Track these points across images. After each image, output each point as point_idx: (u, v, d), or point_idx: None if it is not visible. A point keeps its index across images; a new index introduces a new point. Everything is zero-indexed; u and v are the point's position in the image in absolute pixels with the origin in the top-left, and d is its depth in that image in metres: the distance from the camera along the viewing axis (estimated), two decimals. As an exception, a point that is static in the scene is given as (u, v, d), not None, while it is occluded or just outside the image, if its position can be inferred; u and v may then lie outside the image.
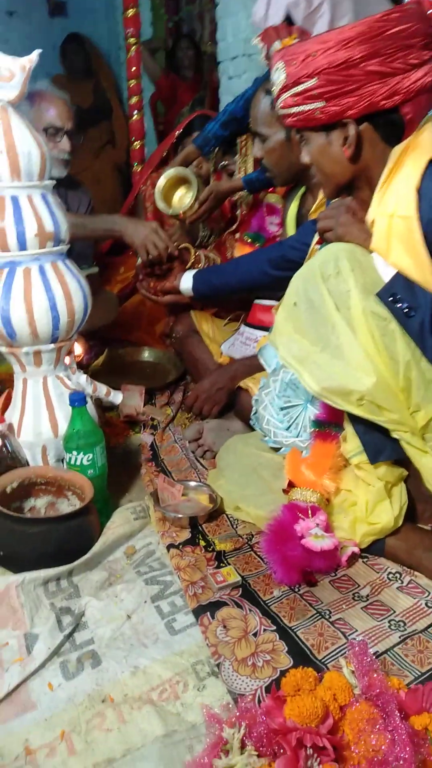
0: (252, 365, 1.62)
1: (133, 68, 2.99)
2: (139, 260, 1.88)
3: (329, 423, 1.17)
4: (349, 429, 1.13)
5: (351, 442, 1.13)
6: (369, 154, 1.06)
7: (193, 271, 1.78)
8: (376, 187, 1.06)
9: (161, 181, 2.02)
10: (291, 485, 1.18)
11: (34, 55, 1.19)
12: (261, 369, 1.56)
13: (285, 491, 1.19)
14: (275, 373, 1.36)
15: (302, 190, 1.67)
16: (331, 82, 0.99)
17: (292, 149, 1.53)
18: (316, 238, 1.37)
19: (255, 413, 1.39)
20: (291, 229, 1.73)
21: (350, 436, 1.13)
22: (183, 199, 2.01)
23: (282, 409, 1.33)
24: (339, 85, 0.99)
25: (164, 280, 1.85)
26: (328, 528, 1.10)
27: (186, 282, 1.77)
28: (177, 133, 2.30)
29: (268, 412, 1.35)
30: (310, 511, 1.10)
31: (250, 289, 1.74)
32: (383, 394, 1.02)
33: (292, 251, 1.51)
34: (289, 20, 1.63)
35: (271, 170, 1.62)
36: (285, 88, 1.05)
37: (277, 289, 1.57)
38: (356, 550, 1.13)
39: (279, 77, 1.05)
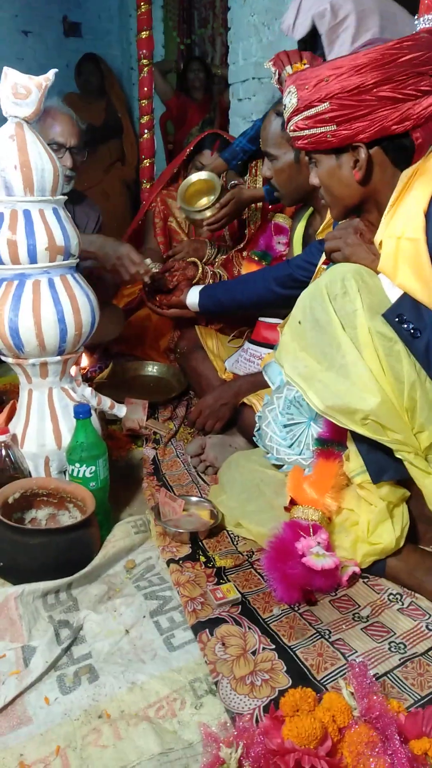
0: (256, 382, 1.62)
1: (145, 88, 3.05)
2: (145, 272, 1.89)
3: (332, 441, 1.17)
4: (352, 448, 1.13)
5: (354, 462, 1.13)
6: (378, 177, 1.08)
7: (200, 287, 1.80)
8: (384, 209, 1.08)
9: (191, 178, 2.05)
10: (293, 503, 1.18)
11: (51, 74, 1.22)
12: (265, 385, 1.56)
13: (287, 509, 1.19)
14: (279, 390, 1.37)
15: (310, 210, 1.69)
16: (342, 106, 1.01)
17: (301, 170, 1.55)
18: (323, 258, 1.38)
19: (258, 430, 1.39)
20: (298, 249, 1.75)
21: (353, 455, 1.13)
22: (205, 206, 2.04)
23: (285, 426, 1.33)
24: (351, 109, 1.01)
25: (170, 294, 1.87)
26: (329, 547, 1.09)
27: (192, 297, 1.79)
28: (188, 150, 2.34)
29: (271, 429, 1.35)
30: (311, 530, 1.10)
31: (255, 306, 1.75)
32: (388, 414, 1.03)
33: (298, 270, 1.52)
34: (313, 32, 1.65)
35: (280, 190, 1.64)
36: (296, 112, 1.07)
37: (282, 307, 1.58)
38: (357, 569, 1.12)
39: (291, 101, 1.08)
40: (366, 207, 1.14)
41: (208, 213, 2.01)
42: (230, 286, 1.76)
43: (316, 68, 1.06)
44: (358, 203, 1.14)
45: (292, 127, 1.10)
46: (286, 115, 1.11)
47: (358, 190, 1.11)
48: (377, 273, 1.08)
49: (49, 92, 1.24)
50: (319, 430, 1.21)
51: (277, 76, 1.60)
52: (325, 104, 1.03)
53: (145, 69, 3.00)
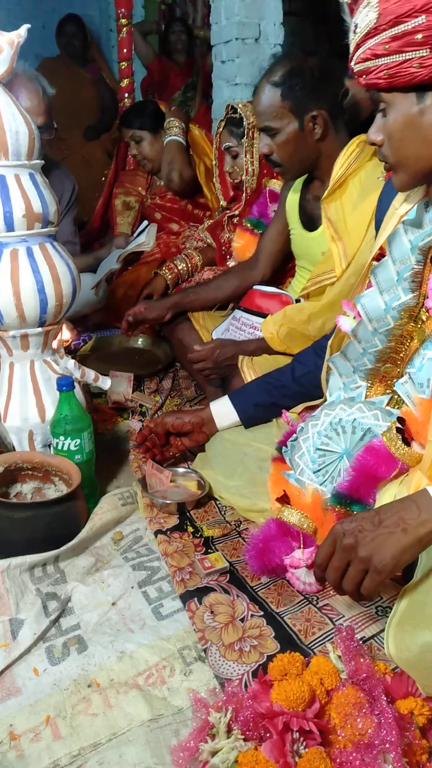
0: (265, 348, 1.60)
1: (125, 50, 2.95)
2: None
3: (351, 499, 1.03)
4: None
5: None
6: None
7: (224, 405, 1.36)
8: None
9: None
10: (285, 499, 1.10)
11: (23, 30, 1.16)
12: (266, 352, 1.55)
13: (279, 500, 1.10)
14: (332, 406, 1.13)
15: (304, 176, 1.62)
16: None
17: (306, 138, 1.45)
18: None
19: (294, 440, 1.17)
20: (293, 218, 1.67)
21: None
22: None
23: (317, 449, 1.12)
24: None
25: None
26: None
27: (228, 418, 1.36)
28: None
29: (307, 445, 1.14)
30: (301, 539, 1.04)
31: None
32: None
33: None
34: None
35: (283, 165, 1.52)
36: (375, 32, 0.82)
37: None
38: None
39: (367, 17, 0.83)
40: None
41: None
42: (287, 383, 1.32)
43: None
44: None
45: (361, 56, 0.85)
46: (355, 40, 0.86)
47: None
48: None
49: (26, 55, 1.18)
50: (347, 469, 1.04)
51: None
52: (421, 18, 0.77)
53: (124, 29, 2.90)
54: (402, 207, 1.02)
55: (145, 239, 2.25)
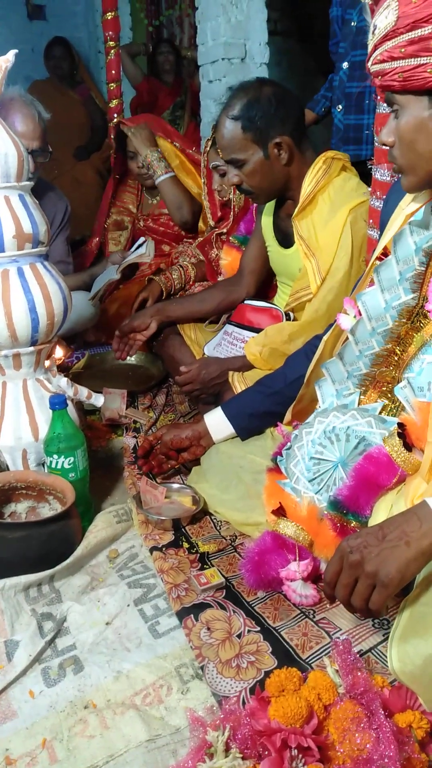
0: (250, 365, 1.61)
1: (113, 72, 2.98)
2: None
3: (347, 509, 1.02)
4: None
5: None
6: None
7: (218, 417, 1.37)
8: None
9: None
10: (281, 511, 1.10)
11: (10, 55, 1.18)
12: (250, 368, 1.54)
13: (274, 513, 1.11)
14: (325, 414, 1.12)
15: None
16: None
17: (273, 165, 1.48)
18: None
19: (288, 449, 1.17)
20: (269, 238, 1.69)
21: None
22: None
23: (311, 458, 1.11)
24: None
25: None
26: (315, 570, 1.05)
27: (223, 430, 1.37)
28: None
29: (301, 453, 1.14)
30: (297, 552, 1.03)
31: None
32: None
33: None
34: None
35: (254, 192, 1.54)
36: (393, 34, 0.83)
37: None
38: None
39: (386, 19, 0.84)
40: None
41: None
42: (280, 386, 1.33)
43: None
44: None
45: (378, 57, 0.86)
46: (374, 41, 0.87)
47: None
48: None
49: (15, 78, 1.20)
50: (343, 479, 1.05)
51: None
52: None
53: (112, 51, 2.93)
54: (409, 207, 1.04)
55: (145, 251, 2.26)
